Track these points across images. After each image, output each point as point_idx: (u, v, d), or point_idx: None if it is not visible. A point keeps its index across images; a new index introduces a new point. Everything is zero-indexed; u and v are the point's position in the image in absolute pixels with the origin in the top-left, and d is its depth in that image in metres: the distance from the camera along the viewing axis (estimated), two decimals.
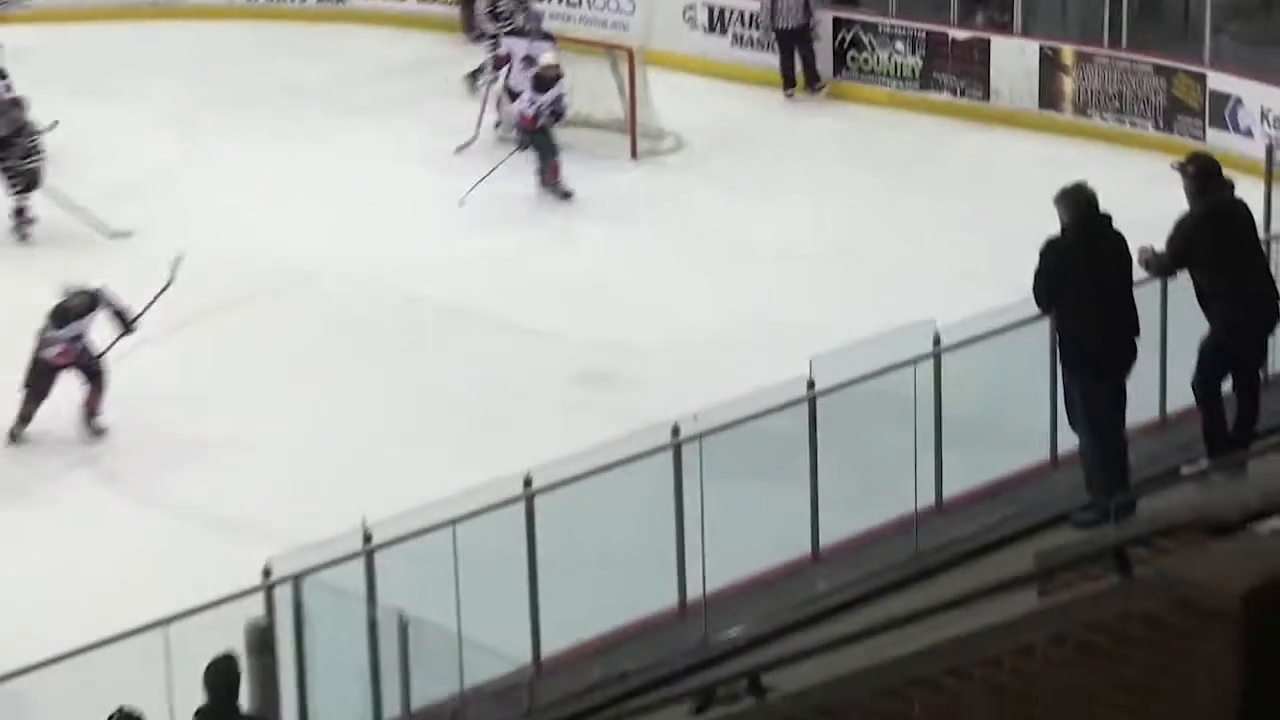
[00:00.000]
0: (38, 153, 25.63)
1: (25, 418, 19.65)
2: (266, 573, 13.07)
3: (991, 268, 19.84)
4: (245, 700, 12.71)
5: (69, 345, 19.66)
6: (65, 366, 19.71)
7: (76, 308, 19.79)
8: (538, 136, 25.88)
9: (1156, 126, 27.23)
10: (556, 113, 25.97)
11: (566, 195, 25.91)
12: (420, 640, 12.85)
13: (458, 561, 13.14)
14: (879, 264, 23.56)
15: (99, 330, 20.16)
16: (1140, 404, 13.68)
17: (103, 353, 20.00)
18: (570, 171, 26.25)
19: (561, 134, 27.07)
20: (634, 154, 27.80)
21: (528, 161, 26.26)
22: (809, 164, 27.74)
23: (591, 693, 12.34)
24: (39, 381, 19.70)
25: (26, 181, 25.56)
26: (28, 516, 19.48)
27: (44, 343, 19.55)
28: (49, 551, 18.94)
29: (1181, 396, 13.89)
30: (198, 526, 17.98)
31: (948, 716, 7.21)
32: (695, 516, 13.80)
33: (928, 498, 14.65)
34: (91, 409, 19.83)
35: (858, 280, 22.88)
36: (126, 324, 20.29)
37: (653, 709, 10.26)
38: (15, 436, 19.79)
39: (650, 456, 13.86)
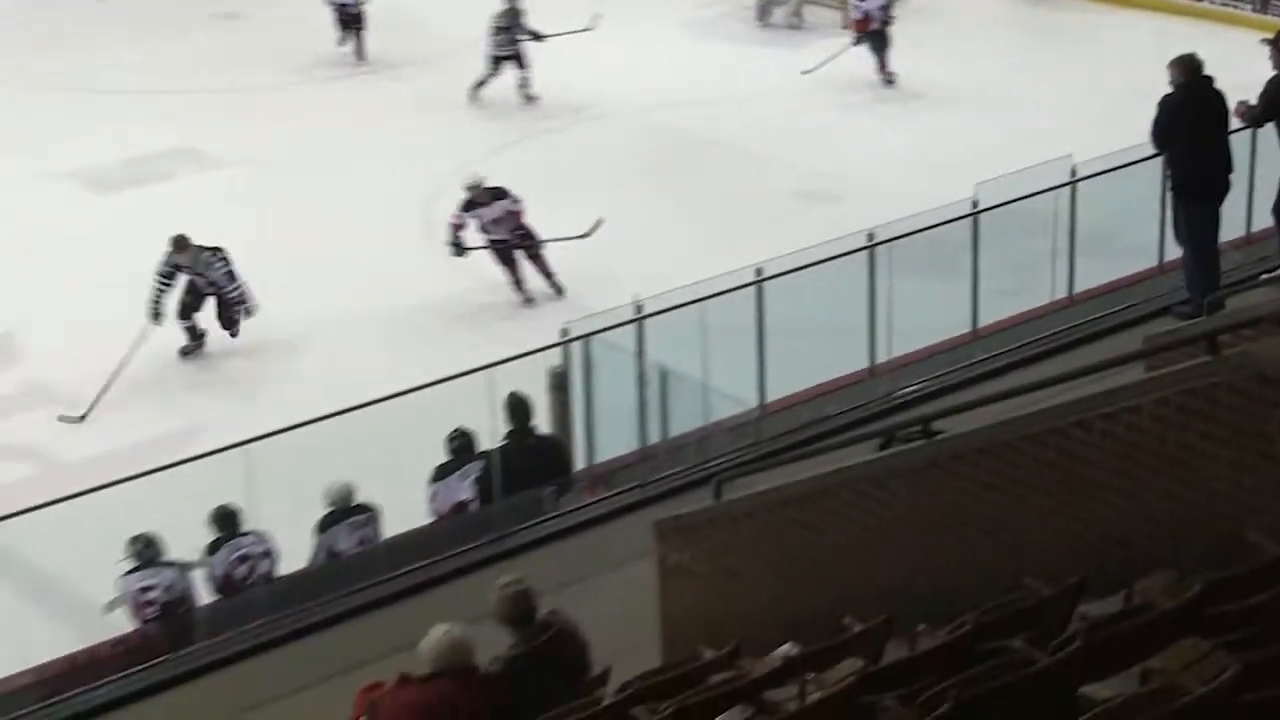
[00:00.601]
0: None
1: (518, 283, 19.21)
2: (564, 333, 14.02)
3: (1116, 116, 19.43)
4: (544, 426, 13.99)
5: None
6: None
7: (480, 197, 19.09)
8: (872, 37, 25.46)
9: (1254, 9, 28.55)
10: (885, 19, 25.03)
11: (891, 83, 25.48)
12: (676, 387, 13.97)
13: (706, 328, 14.06)
14: (1032, 112, 24.04)
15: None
16: (1231, 224, 13.99)
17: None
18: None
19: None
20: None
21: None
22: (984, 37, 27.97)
23: (803, 430, 12.85)
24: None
25: None
26: None
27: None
28: None
29: (1263, 219, 14.52)
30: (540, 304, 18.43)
31: (1074, 459, 8.67)
32: (885, 301, 14.66)
33: (1061, 291, 15.56)
34: (546, 273, 19.36)
35: (1016, 123, 23.16)
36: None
37: (848, 445, 11.03)
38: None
39: (852, 255, 14.60)
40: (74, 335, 18.29)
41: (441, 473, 13.59)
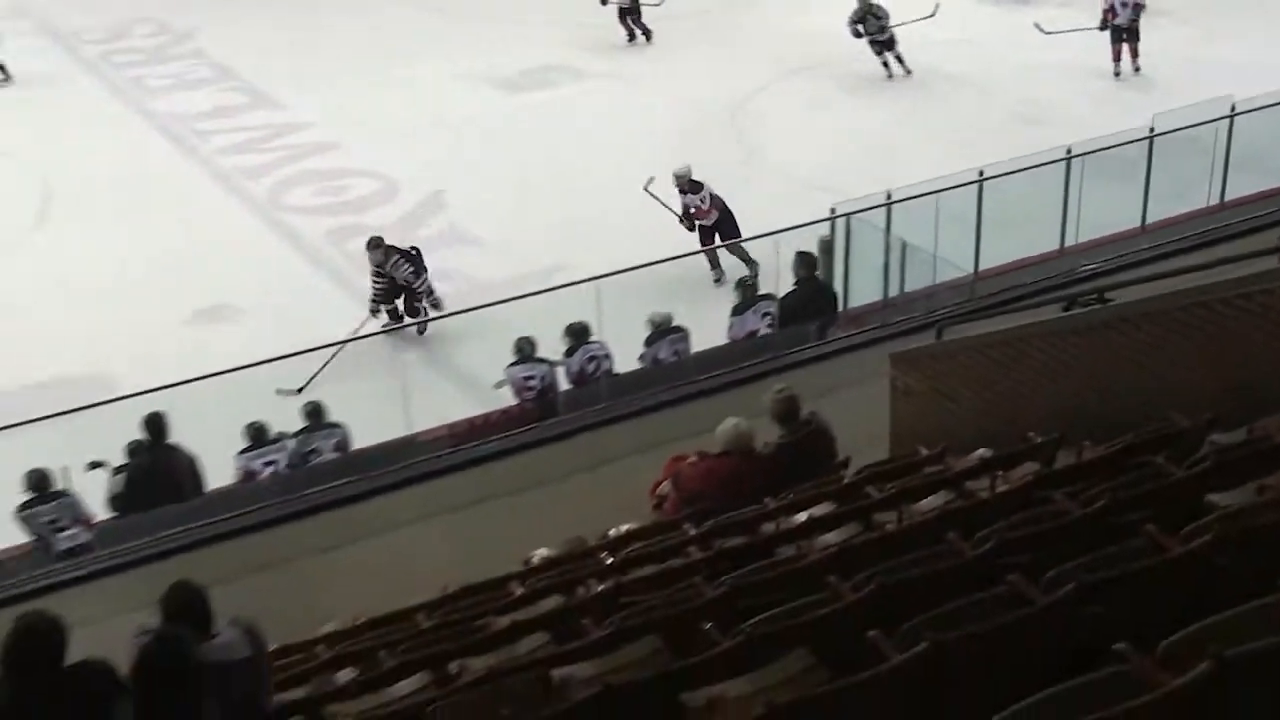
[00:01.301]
0: None
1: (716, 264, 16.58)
2: (832, 211, 14.31)
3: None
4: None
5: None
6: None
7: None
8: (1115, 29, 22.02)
9: None
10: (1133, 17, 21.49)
11: (1118, 74, 21.83)
12: (912, 255, 14.03)
13: (938, 214, 14.08)
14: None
15: None
16: None
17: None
18: None
19: None
20: None
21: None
22: None
23: (1006, 292, 12.40)
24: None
25: None
26: None
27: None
28: None
29: None
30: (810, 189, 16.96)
31: (1216, 326, 8.66)
32: (1075, 200, 14.66)
33: (1215, 199, 15.26)
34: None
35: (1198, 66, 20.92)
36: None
37: (1040, 306, 11.09)
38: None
39: (1052, 164, 14.55)
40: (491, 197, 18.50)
41: (739, 309, 13.67)
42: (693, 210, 16.42)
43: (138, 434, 11.58)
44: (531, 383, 13.18)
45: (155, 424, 11.49)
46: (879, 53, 21.93)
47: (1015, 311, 11.10)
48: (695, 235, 16.35)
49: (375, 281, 15.61)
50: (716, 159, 18.19)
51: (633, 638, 5.90)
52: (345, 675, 7.05)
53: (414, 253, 15.69)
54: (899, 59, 21.98)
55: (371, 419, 12.65)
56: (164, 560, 9.68)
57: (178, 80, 23.84)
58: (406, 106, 21.65)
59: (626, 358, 13.39)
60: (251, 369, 11.98)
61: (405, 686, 6.40)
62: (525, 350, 13.28)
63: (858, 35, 21.92)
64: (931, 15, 21.84)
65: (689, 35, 24.15)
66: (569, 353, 13.28)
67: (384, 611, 8.28)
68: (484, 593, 8.09)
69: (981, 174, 13.95)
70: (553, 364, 13.29)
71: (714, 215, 16.33)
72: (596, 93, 22.44)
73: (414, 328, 15.69)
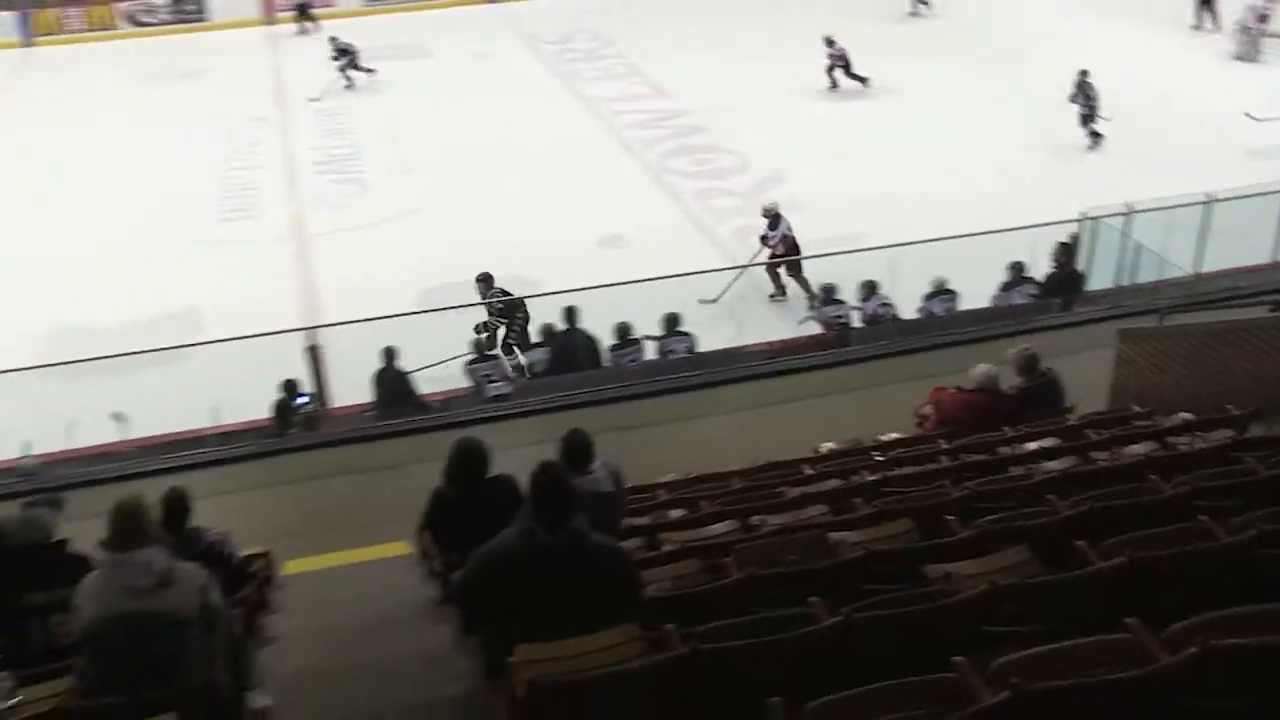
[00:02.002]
0: None
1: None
2: (1082, 214, 13.33)
3: None
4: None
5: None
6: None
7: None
8: None
9: None
10: None
11: None
12: (1144, 256, 12.94)
13: (1169, 224, 12.81)
14: None
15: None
16: None
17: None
18: None
19: None
20: None
21: None
22: None
23: (1220, 291, 11.79)
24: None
25: None
26: None
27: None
28: None
29: None
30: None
31: None
32: None
33: None
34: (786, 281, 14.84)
35: None
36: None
37: (1248, 305, 10.42)
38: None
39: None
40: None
41: (1006, 286, 12.96)
42: (768, 239, 14.95)
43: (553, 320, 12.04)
44: (839, 319, 12.98)
45: (570, 314, 11.84)
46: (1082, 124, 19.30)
47: (1227, 307, 10.44)
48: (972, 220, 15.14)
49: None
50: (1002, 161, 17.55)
51: (892, 518, 5.81)
52: (675, 513, 7.15)
53: (511, 298, 13.10)
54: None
55: (715, 332, 12.68)
56: (560, 413, 9.94)
57: (603, 73, 24.47)
58: (762, 102, 21.51)
59: (907, 309, 13.02)
60: (632, 285, 11.92)
61: (718, 528, 6.44)
62: (831, 293, 13.12)
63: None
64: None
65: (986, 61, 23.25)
66: (864, 299, 12.99)
67: (707, 471, 8.34)
68: (782, 469, 8.06)
69: (1209, 196, 12.78)
70: (854, 307, 13.04)
71: (781, 247, 14.85)
72: (903, 105, 21.70)
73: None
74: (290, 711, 5.08)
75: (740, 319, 13.45)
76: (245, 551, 6.69)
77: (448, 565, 5.70)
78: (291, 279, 15.79)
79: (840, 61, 22.23)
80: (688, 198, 18.07)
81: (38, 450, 10.53)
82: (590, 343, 11.91)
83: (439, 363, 11.79)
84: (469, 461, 5.64)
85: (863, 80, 22.31)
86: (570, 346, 11.87)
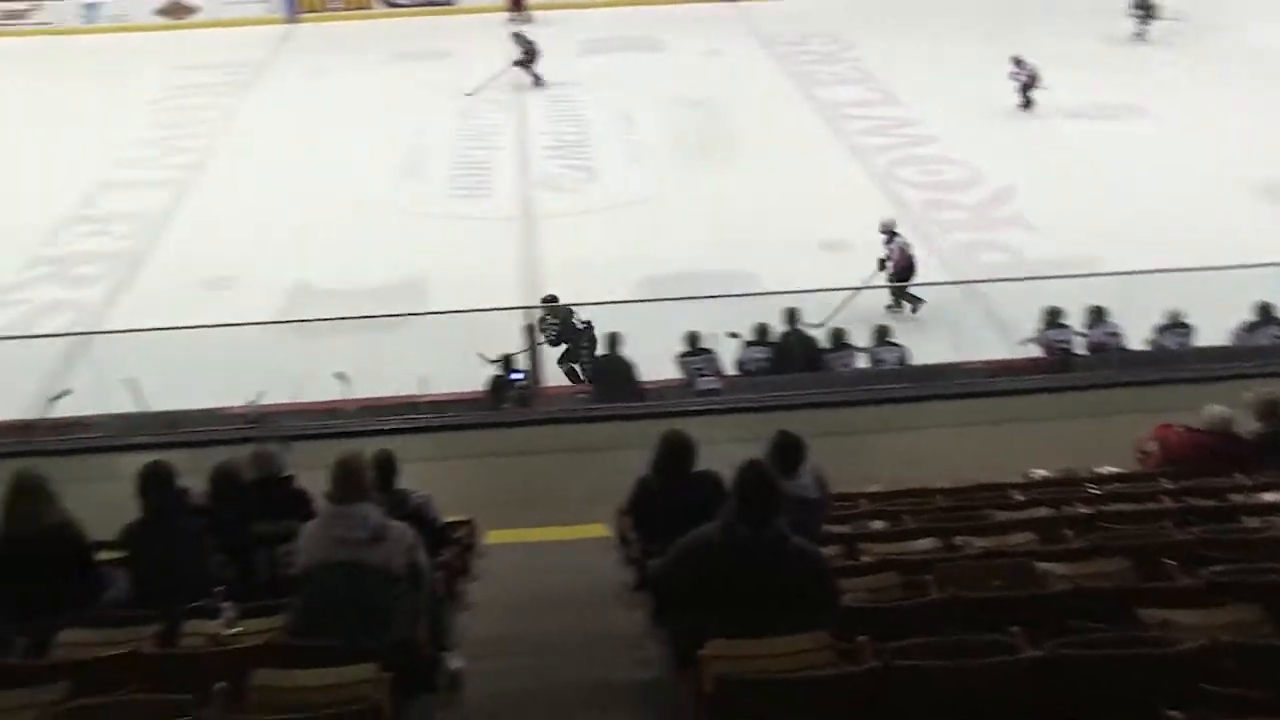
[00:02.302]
0: None
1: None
2: None
3: None
4: None
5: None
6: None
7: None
8: None
9: None
10: None
11: None
12: None
13: None
14: None
15: None
16: None
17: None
18: None
19: None
20: None
21: None
22: None
23: None
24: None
25: None
26: None
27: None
28: None
29: None
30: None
31: None
32: None
33: None
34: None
35: None
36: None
37: None
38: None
39: None
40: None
41: (1251, 327, 12.23)
42: (887, 258, 14.51)
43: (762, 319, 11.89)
44: (1062, 344, 12.46)
45: (790, 315, 11.76)
46: None
47: None
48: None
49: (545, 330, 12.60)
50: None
51: (1105, 555, 5.55)
52: (877, 524, 7.02)
53: (581, 325, 12.52)
54: None
55: (926, 347, 12.39)
56: (769, 413, 9.85)
57: (837, 78, 24.11)
58: (998, 117, 21.02)
59: (1136, 339, 12.46)
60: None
61: (920, 545, 6.28)
62: (1056, 317, 12.57)
63: None
64: None
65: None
66: (1090, 325, 12.48)
67: (912, 486, 8.16)
68: (990, 491, 7.81)
69: None
70: (1075, 332, 12.52)
71: (898, 265, 14.45)
72: (1145, 127, 20.62)
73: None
74: (482, 676, 5.20)
75: (955, 334, 13.09)
76: (449, 518, 6.91)
77: (646, 552, 5.74)
78: (516, 258, 16.15)
79: (1029, 81, 21.35)
80: (913, 207, 17.70)
81: (269, 401, 11.03)
82: (806, 345, 11.81)
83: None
84: (677, 453, 5.68)
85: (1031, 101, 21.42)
86: (786, 347, 11.81)
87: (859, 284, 13.95)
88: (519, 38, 24.49)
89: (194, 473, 5.74)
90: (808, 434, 5.97)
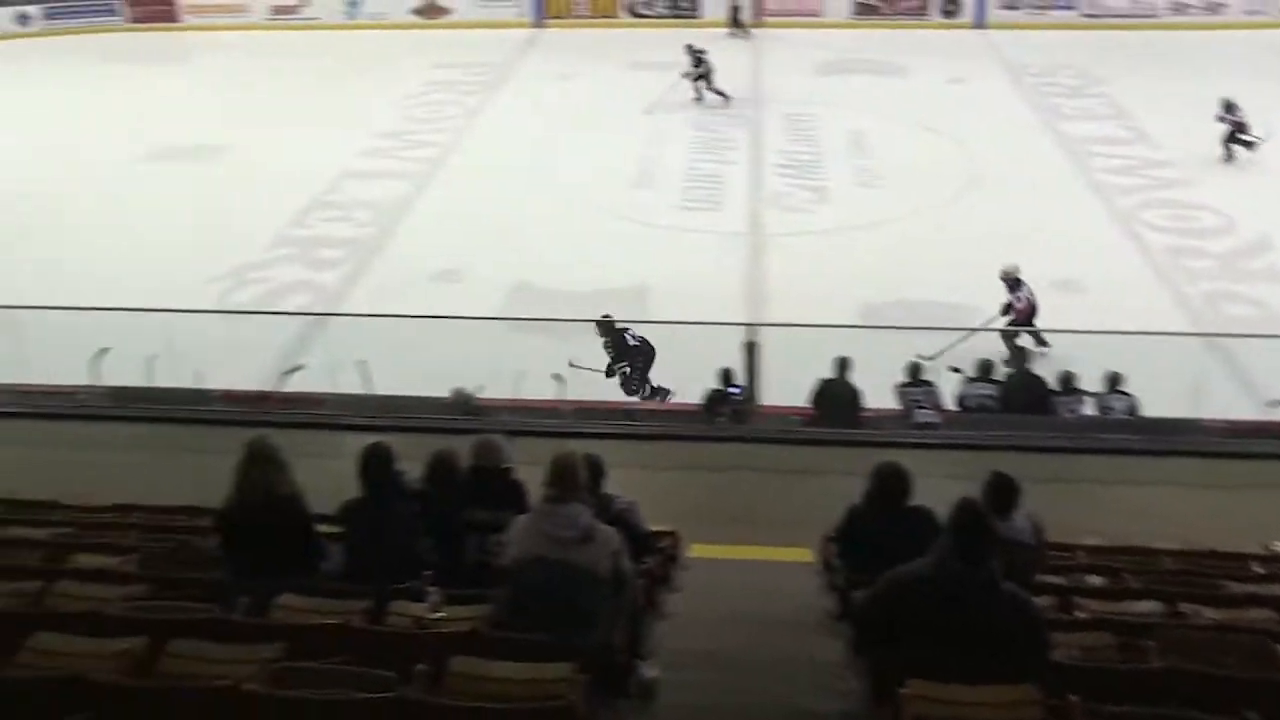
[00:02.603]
0: None
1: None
2: None
3: None
4: None
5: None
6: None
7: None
8: None
9: None
10: None
11: None
12: None
13: None
14: None
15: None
16: None
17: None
18: None
19: None
20: None
21: None
22: None
23: None
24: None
25: None
26: None
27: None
28: None
29: None
30: None
31: None
32: None
33: None
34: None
35: None
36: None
37: None
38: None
39: None
40: None
41: None
42: (1012, 305, 13.83)
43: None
44: None
45: (1017, 353, 11.38)
46: None
47: None
48: None
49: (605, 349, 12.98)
50: None
51: None
52: (1094, 580, 6.69)
53: (632, 342, 12.78)
54: None
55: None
56: (988, 452, 9.50)
57: (1084, 113, 23.40)
58: (1254, 163, 19.87)
59: None
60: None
61: (1141, 607, 5.93)
62: None
63: None
64: None
65: None
66: None
67: (1135, 544, 7.73)
68: (1224, 560, 7.31)
69: None
70: None
71: (1024, 313, 13.77)
72: None
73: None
74: (675, 688, 5.19)
75: (1196, 388, 12.37)
76: (654, 527, 6.93)
77: (850, 581, 5.64)
78: (740, 274, 16.14)
79: (1235, 128, 20.07)
80: (1158, 252, 16.93)
81: (487, 395, 11.33)
82: (1032, 386, 11.40)
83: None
84: (891, 485, 5.57)
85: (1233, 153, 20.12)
86: (1011, 387, 11.44)
87: (979, 325, 13.52)
88: (690, 50, 24.22)
89: (411, 458, 5.90)
90: (1027, 478, 5.77)
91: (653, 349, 12.61)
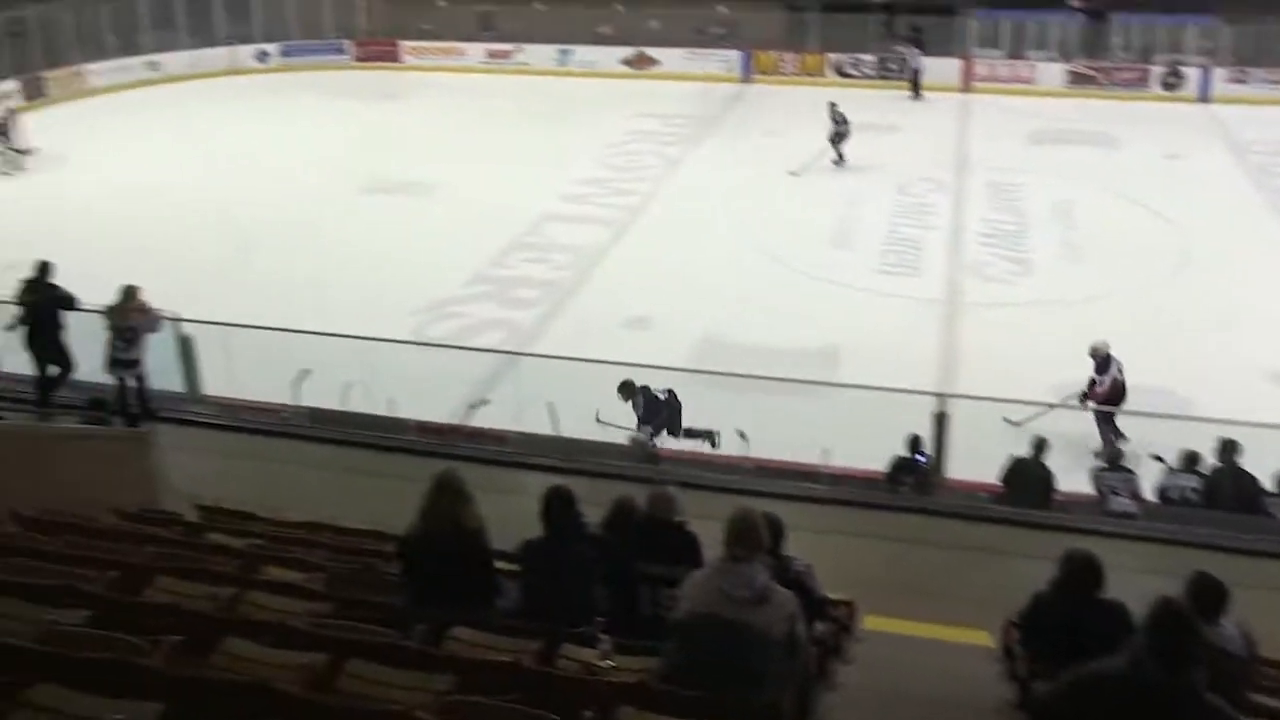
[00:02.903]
0: None
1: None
2: None
3: None
4: None
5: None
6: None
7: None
8: None
9: None
10: None
11: None
12: None
13: None
14: None
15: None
16: None
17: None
18: None
19: None
20: None
21: None
22: None
23: None
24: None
25: None
26: None
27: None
28: None
29: None
30: None
31: None
32: None
33: None
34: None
35: None
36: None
37: None
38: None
39: None
40: None
41: None
42: (1095, 384, 13.07)
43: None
44: None
45: (1227, 447, 10.69)
46: None
47: None
48: None
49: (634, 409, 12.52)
50: None
51: None
52: None
53: (660, 397, 12.38)
54: None
55: None
56: (1192, 549, 9.07)
57: None
58: None
59: None
60: None
61: None
62: None
63: None
64: None
65: None
66: None
67: None
68: None
69: None
70: None
71: (1104, 396, 12.92)
72: None
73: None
74: None
75: None
76: (829, 593, 6.81)
77: (1032, 671, 5.42)
78: (934, 342, 15.84)
79: None
80: None
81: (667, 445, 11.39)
82: (1243, 483, 10.76)
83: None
84: (1082, 574, 5.32)
85: None
86: (1219, 482, 10.83)
87: (1056, 401, 12.87)
88: (833, 109, 23.96)
89: (589, 502, 5.96)
90: (1234, 582, 5.43)
91: (679, 403, 12.43)
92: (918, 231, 20.37)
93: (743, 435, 11.33)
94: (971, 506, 10.25)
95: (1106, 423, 12.84)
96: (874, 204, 21.61)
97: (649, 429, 12.25)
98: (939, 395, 11.38)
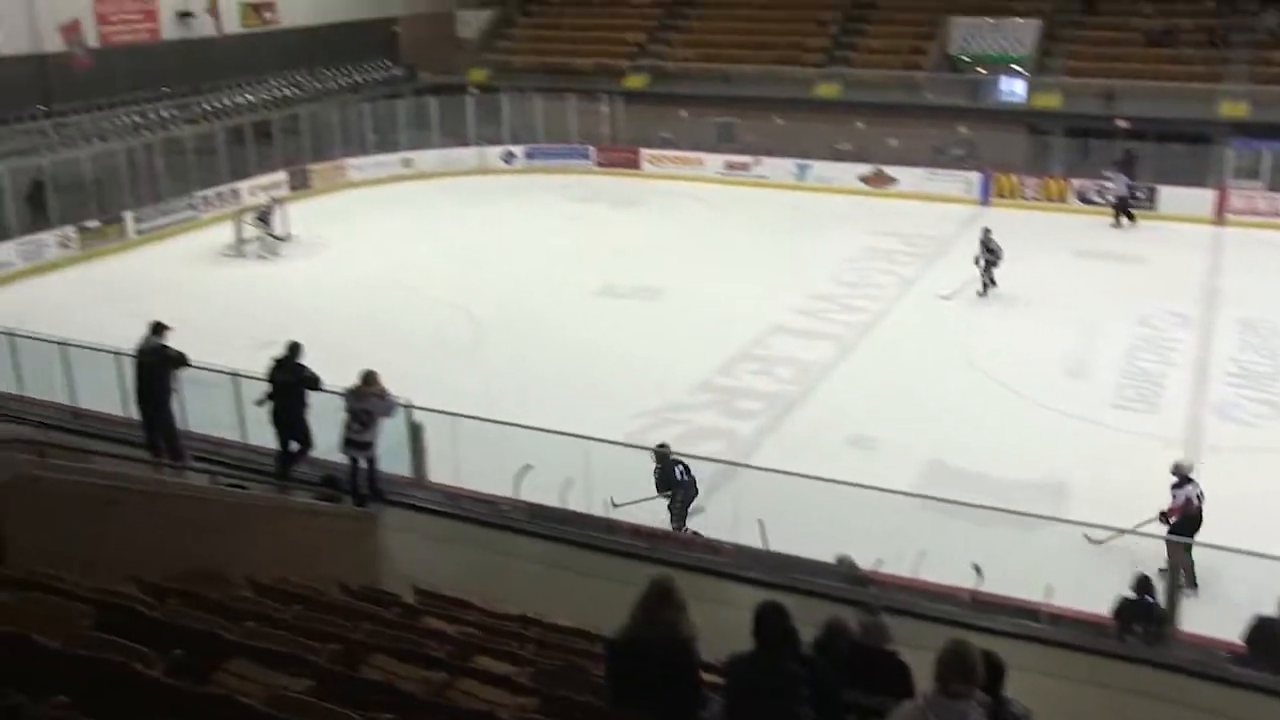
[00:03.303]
0: None
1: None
2: None
3: None
4: None
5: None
6: None
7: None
8: None
9: None
10: None
11: None
12: None
13: None
14: None
15: None
16: None
17: None
18: None
19: None
20: None
21: None
22: None
23: None
24: None
25: None
26: None
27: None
28: None
29: None
30: None
31: None
32: None
33: None
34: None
35: None
36: None
37: None
38: None
39: None
40: None
41: None
42: (1170, 509, 12.47)
43: None
44: None
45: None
46: None
47: None
48: None
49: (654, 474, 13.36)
50: None
51: None
52: None
53: (681, 477, 13.11)
54: None
55: None
56: None
57: None
58: None
59: None
60: None
61: None
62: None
63: None
64: None
65: None
66: None
67: None
68: None
69: None
70: None
71: (1178, 512, 12.34)
72: None
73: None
74: None
75: None
76: None
77: None
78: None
79: None
80: None
81: (886, 569, 11.13)
82: None
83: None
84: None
85: None
86: None
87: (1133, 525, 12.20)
88: (987, 236, 23.42)
89: (797, 620, 5.87)
90: None
91: (696, 490, 13.06)
92: (1159, 367, 19.56)
93: (978, 570, 10.96)
94: (1208, 665, 9.59)
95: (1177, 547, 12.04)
96: (1113, 336, 20.90)
97: (667, 494, 12.98)
98: (1169, 540, 10.79)
